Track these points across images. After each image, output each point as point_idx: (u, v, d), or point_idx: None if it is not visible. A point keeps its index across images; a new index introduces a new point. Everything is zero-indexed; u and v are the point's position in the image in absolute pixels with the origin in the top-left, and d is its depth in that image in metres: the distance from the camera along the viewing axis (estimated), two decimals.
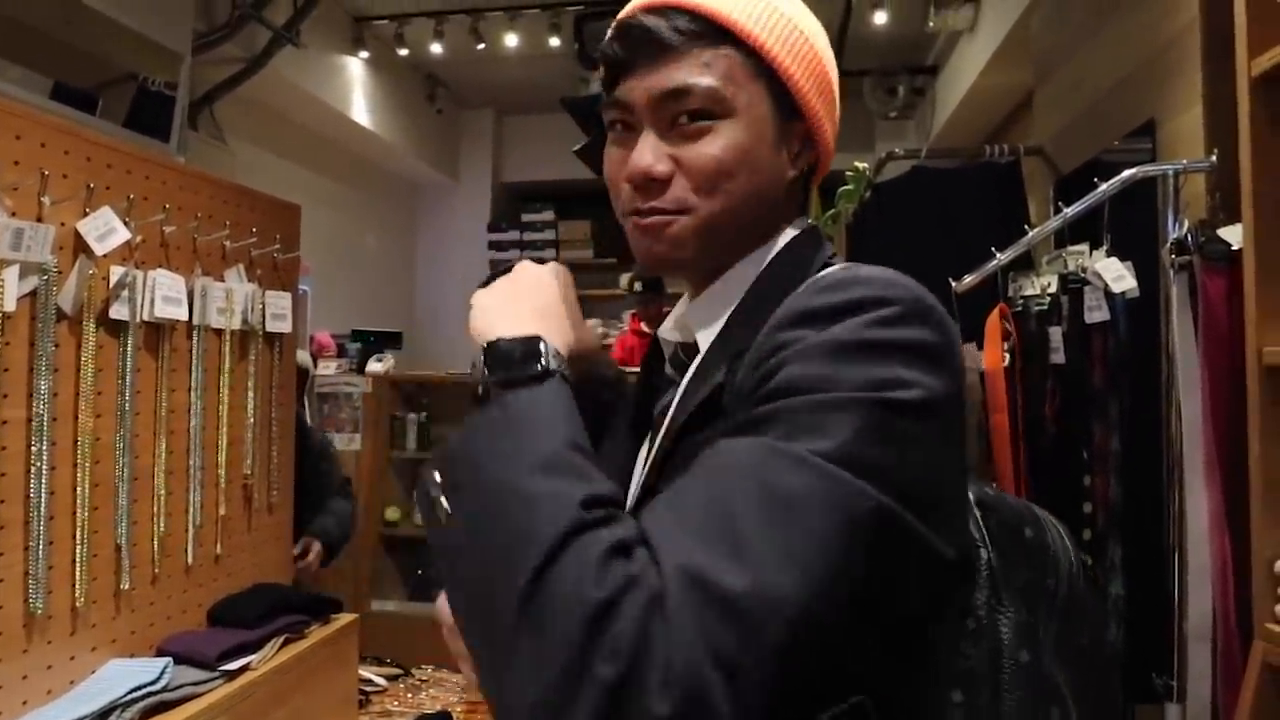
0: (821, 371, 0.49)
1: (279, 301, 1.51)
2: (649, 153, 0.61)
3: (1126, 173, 1.43)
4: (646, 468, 0.64)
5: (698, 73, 0.60)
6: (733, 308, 0.63)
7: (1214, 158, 1.37)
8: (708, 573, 0.41)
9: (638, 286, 4.21)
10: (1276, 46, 1.11)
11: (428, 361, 5.41)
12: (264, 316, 1.47)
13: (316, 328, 4.52)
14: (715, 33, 0.60)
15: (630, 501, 0.64)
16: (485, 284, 0.66)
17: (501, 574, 0.44)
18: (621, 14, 0.65)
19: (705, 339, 0.64)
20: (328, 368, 4.18)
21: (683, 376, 0.65)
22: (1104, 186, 1.45)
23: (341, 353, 4.48)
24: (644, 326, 4.30)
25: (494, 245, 6.11)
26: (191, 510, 1.34)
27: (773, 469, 0.45)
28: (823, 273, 0.60)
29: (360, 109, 4.84)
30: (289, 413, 1.58)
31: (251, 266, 1.47)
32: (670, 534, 0.44)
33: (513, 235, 6.06)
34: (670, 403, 0.64)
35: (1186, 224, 1.36)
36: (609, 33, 0.65)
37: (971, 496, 0.60)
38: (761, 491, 0.44)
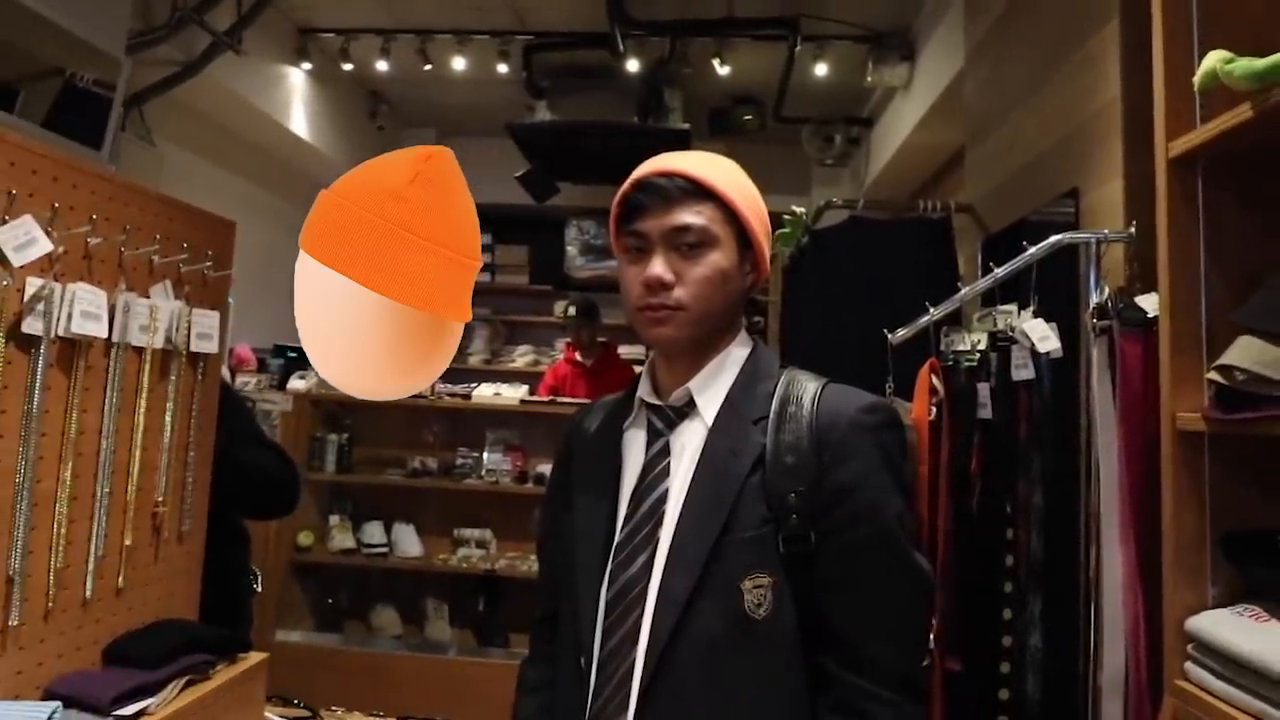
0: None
1: (206, 320, 1.44)
2: (660, 266, 0.94)
3: (1053, 238, 1.50)
4: (684, 492, 0.95)
5: (694, 216, 0.95)
6: (730, 384, 1.00)
7: (1133, 229, 1.45)
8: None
9: (572, 310, 4.21)
10: (1192, 131, 1.18)
11: None
12: (189, 336, 1.40)
13: (239, 340, 4.34)
14: (703, 192, 0.96)
15: (624, 510, 0.98)
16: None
17: None
18: (640, 175, 0.98)
19: (708, 402, 0.99)
20: (246, 383, 4.01)
21: (671, 429, 1.00)
22: (1032, 250, 1.52)
23: (263, 368, 4.31)
24: (578, 355, 4.29)
25: None
26: (94, 540, 1.26)
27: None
28: (831, 390, 0.99)
29: (299, 120, 4.72)
30: (208, 438, 1.50)
31: (180, 283, 1.40)
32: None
33: None
34: (667, 446, 0.99)
35: (1107, 290, 1.44)
36: (630, 186, 0.98)
37: None
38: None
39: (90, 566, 1.25)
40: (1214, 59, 1.05)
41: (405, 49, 4.51)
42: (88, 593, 1.25)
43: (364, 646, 3.60)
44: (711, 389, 0.99)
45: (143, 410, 1.32)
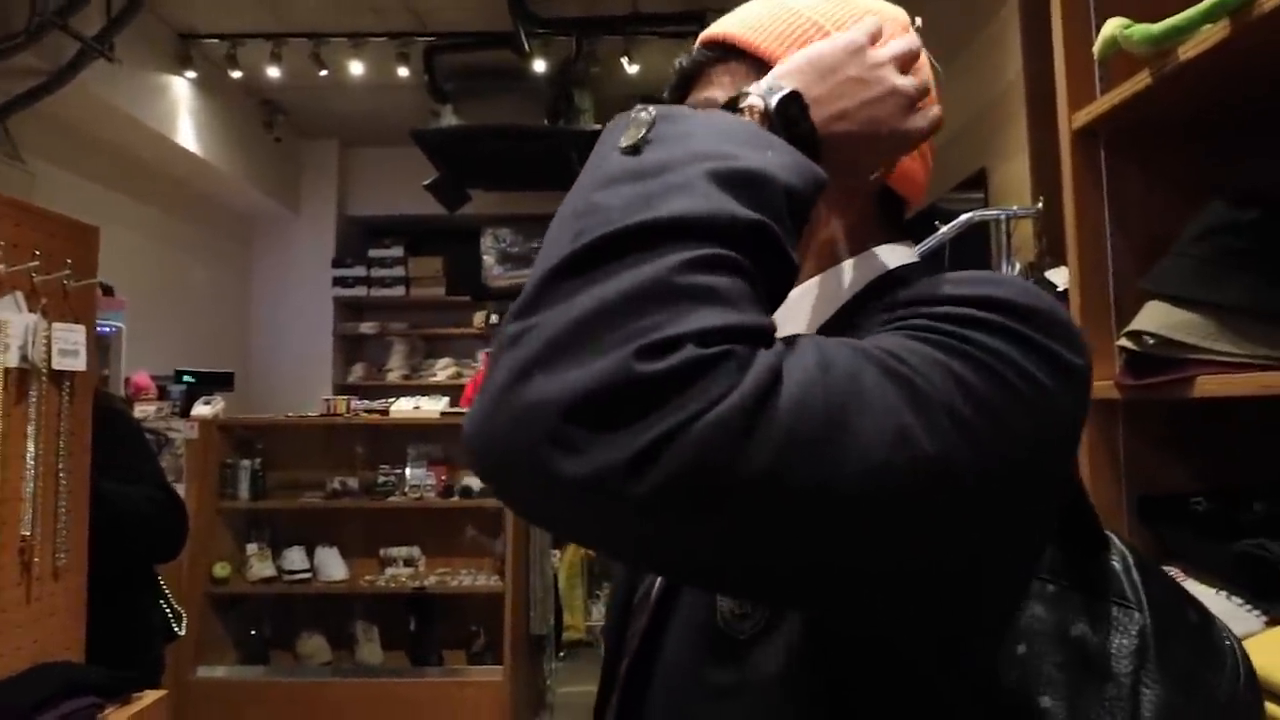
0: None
1: (70, 335, 1.30)
2: None
3: (964, 215, 1.50)
4: None
5: (707, 89, 0.63)
6: (829, 313, 0.59)
7: (1040, 204, 1.47)
8: None
9: (494, 319, 4.10)
10: (1093, 102, 1.19)
11: (263, 404, 5.00)
12: (49, 352, 1.26)
13: (134, 368, 4.07)
14: (724, 51, 0.63)
15: None
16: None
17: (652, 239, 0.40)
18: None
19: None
20: (146, 411, 3.77)
21: None
22: (944, 229, 1.52)
23: (163, 395, 4.06)
24: None
25: (339, 281, 5.80)
26: None
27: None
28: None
29: (186, 133, 4.46)
30: (82, 462, 1.36)
31: (34, 295, 1.26)
32: None
33: (359, 271, 5.78)
34: None
35: (1018, 266, 1.45)
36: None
37: (1126, 551, 0.57)
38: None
39: None
40: (1113, 26, 1.06)
41: (297, 54, 4.31)
42: None
43: (292, 676, 3.45)
44: (796, 317, 0.60)
45: None
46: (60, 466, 1.31)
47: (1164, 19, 0.98)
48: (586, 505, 0.37)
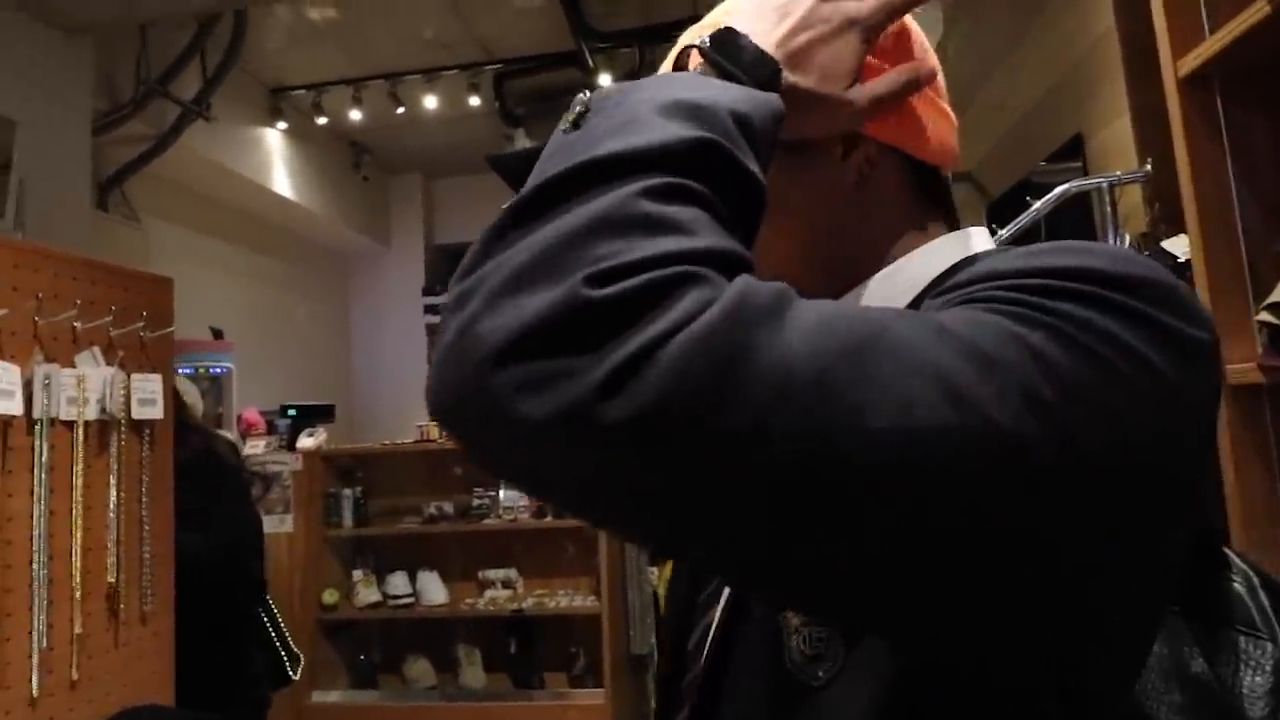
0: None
1: (147, 385, 1.33)
2: None
3: (1059, 188, 1.36)
4: None
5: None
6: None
7: (1148, 166, 1.31)
8: None
9: None
10: (1201, 44, 1.05)
11: (365, 433, 5.17)
12: (128, 403, 1.29)
13: (244, 406, 4.29)
14: None
15: None
16: None
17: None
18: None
19: None
20: (256, 446, 3.95)
21: None
22: (1037, 205, 1.37)
23: (271, 430, 4.25)
24: None
25: (430, 309, 5.95)
26: (36, 632, 1.14)
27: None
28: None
29: (281, 180, 4.69)
30: (164, 507, 1.39)
31: (111, 349, 1.30)
32: None
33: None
34: None
35: (1128, 238, 1.29)
36: None
37: (1249, 570, 0.46)
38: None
39: (35, 660, 1.14)
40: None
41: (376, 95, 4.47)
42: (35, 689, 1.13)
43: (401, 700, 3.52)
44: None
45: (80, 487, 1.21)
46: (143, 513, 1.34)
47: None
48: (556, 446, 0.31)
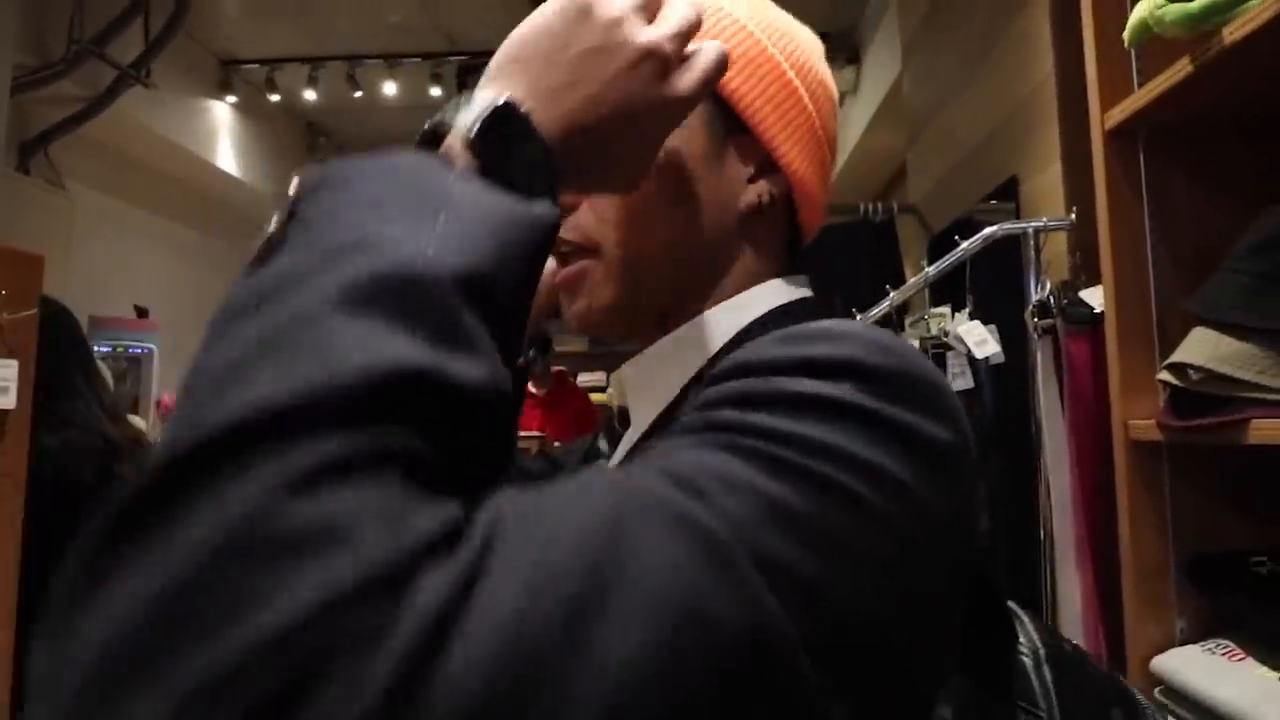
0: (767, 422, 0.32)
1: (1, 371, 1.24)
2: None
3: (987, 230, 1.35)
4: None
5: None
6: (684, 380, 0.48)
7: (1073, 215, 1.31)
8: None
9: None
10: (1128, 98, 1.04)
11: None
12: None
13: (167, 389, 4.13)
14: None
15: None
16: None
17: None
18: None
19: (641, 416, 0.51)
20: None
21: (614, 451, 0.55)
22: (964, 245, 1.37)
23: None
24: (530, 387, 4.10)
25: None
26: None
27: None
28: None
29: (226, 155, 4.53)
30: (10, 510, 1.29)
31: None
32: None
33: None
34: None
35: (1049, 285, 1.29)
36: None
37: (1038, 643, 0.46)
38: None
39: None
40: (1145, 6, 0.92)
41: (333, 76, 4.35)
42: None
43: None
44: (649, 386, 0.51)
45: None
46: None
47: None
48: None
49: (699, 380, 0.45)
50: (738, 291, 0.50)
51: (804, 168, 0.51)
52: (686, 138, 0.48)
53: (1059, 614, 1.15)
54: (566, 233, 0.50)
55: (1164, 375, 0.93)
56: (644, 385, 0.51)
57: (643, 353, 0.52)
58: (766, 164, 0.51)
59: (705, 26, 0.47)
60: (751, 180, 0.51)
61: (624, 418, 0.56)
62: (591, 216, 0.49)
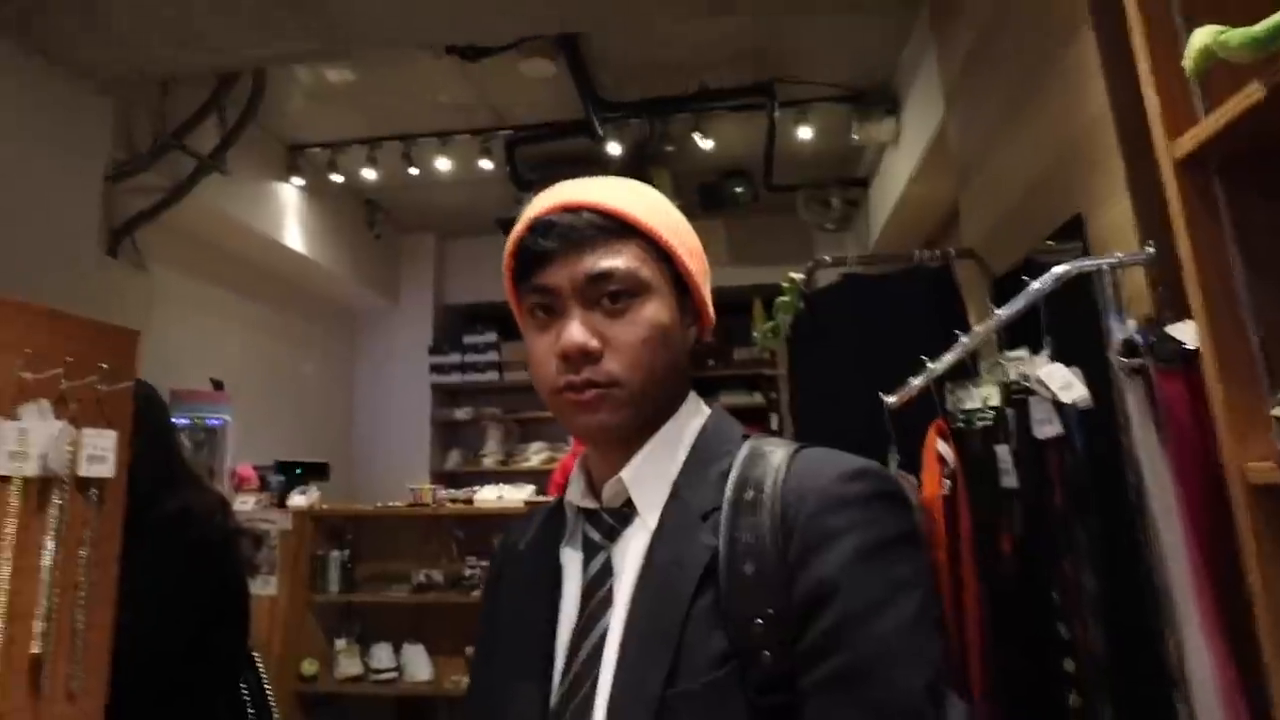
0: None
1: (100, 442, 1.27)
2: (579, 331, 0.72)
3: (1058, 269, 1.30)
4: (605, 631, 0.70)
5: (615, 259, 0.73)
6: (676, 472, 0.75)
7: (1150, 248, 1.25)
8: None
9: None
10: (1196, 125, 1.00)
11: (367, 492, 5.08)
12: (74, 459, 1.23)
13: (240, 460, 4.23)
14: (623, 227, 0.74)
15: (562, 659, 0.72)
16: None
17: None
18: (536, 213, 0.75)
19: (647, 498, 0.74)
20: (247, 502, 3.87)
21: (612, 539, 0.75)
22: (1035, 285, 1.31)
23: (264, 486, 4.17)
24: None
25: (435, 369, 5.93)
26: None
27: None
28: (802, 457, 0.72)
29: (294, 235, 4.73)
30: (107, 574, 1.31)
31: (62, 402, 1.24)
32: None
33: (454, 358, 5.90)
34: (609, 563, 0.74)
35: (1133, 322, 1.22)
36: (524, 229, 0.75)
37: None
38: None
39: None
40: (1204, 34, 0.89)
41: (390, 155, 4.53)
42: None
43: None
44: (651, 479, 0.74)
45: (11, 547, 1.14)
46: (82, 578, 1.26)
47: (1264, 19, 0.80)
48: None
49: (689, 473, 0.75)
50: (680, 405, 0.78)
51: (709, 307, 0.80)
52: (669, 304, 0.75)
53: (1190, 685, 1.04)
54: (597, 375, 0.71)
55: (1278, 411, 0.86)
56: (647, 478, 0.75)
57: (637, 454, 0.75)
58: (694, 313, 0.79)
59: (656, 216, 0.76)
60: (690, 326, 0.79)
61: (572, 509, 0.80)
62: (615, 362, 0.72)
